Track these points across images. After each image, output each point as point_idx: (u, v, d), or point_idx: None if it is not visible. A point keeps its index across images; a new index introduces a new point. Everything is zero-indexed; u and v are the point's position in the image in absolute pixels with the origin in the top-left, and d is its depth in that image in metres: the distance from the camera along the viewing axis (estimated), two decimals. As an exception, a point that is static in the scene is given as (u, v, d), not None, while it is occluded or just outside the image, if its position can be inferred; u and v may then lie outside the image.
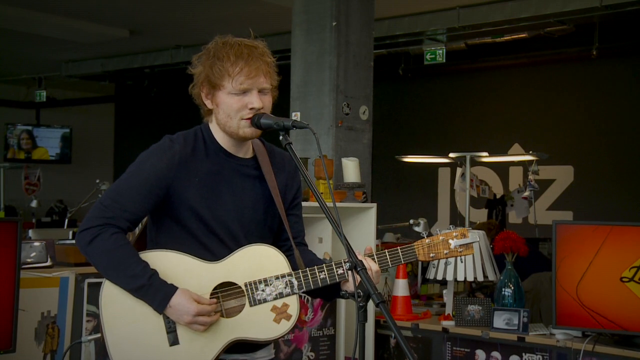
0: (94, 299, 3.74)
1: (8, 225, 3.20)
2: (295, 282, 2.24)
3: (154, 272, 2.21)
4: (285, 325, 2.24)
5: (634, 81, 8.24)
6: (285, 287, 2.24)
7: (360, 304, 2.05)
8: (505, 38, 7.93)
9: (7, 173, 8.90)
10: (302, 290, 2.25)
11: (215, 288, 2.25)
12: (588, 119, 8.56)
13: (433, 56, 8.22)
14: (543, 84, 8.87)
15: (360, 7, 5.28)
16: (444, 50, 8.15)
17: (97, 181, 6.04)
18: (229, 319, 2.24)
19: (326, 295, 2.40)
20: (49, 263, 3.68)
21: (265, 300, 2.23)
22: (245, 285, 2.24)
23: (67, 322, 3.63)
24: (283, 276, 2.25)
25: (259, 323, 2.24)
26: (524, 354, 4.10)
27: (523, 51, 8.57)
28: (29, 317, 3.48)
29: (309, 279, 2.25)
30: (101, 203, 2.25)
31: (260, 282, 2.24)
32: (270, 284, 2.24)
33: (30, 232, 5.86)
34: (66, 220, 7.63)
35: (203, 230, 2.28)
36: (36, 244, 3.67)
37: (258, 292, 2.23)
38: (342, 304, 4.46)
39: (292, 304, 2.25)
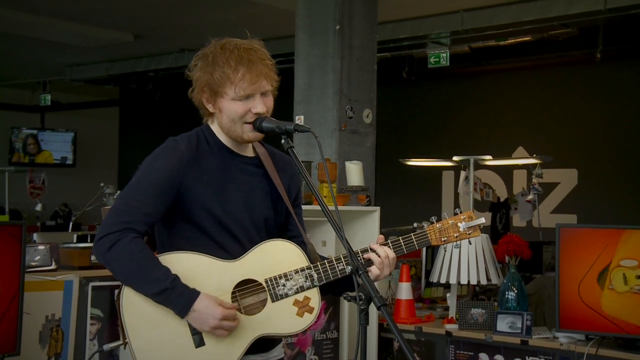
0: (98, 302, 3.75)
1: (13, 229, 3.20)
2: (315, 275, 2.26)
3: (176, 276, 2.18)
4: (309, 318, 2.26)
5: (638, 84, 8.23)
6: (305, 281, 2.26)
7: (362, 307, 2.06)
8: (509, 41, 7.92)
9: (11, 177, 8.93)
10: (322, 283, 2.26)
11: (235, 286, 2.24)
12: (592, 121, 8.55)
13: (437, 59, 8.21)
14: (547, 87, 8.86)
15: (363, 11, 5.28)
16: (448, 53, 8.14)
17: (102, 185, 6.04)
18: (251, 316, 2.24)
19: (336, 289, 2.37)
20: (53, 266, 3.67)
21: (286, 295, 2.25)
22: (266, 281, 2.25)
23: (72, 325, 3.64)
24: (302, 270, 2.26)
25: (282, 318, 2.25)
26: (527, 357, 4.10)
27: (527, 54, 8.56)
28: (33, 321, 3.48)
29: (327, 271, 2.27)
30: (116, 209, 2.21)
31: (280, 277, 2.25)
32: (291, 279, 2.25)
33: (35, 236, 5.87)
34: (71, 224, 7.67)
35: (217, 228, 2.27)
36: (40, 247, 3.66)
37: (279, 287, 2.24)
38: (345, 307, 4.46)
39: (313, 296, 2.27)
